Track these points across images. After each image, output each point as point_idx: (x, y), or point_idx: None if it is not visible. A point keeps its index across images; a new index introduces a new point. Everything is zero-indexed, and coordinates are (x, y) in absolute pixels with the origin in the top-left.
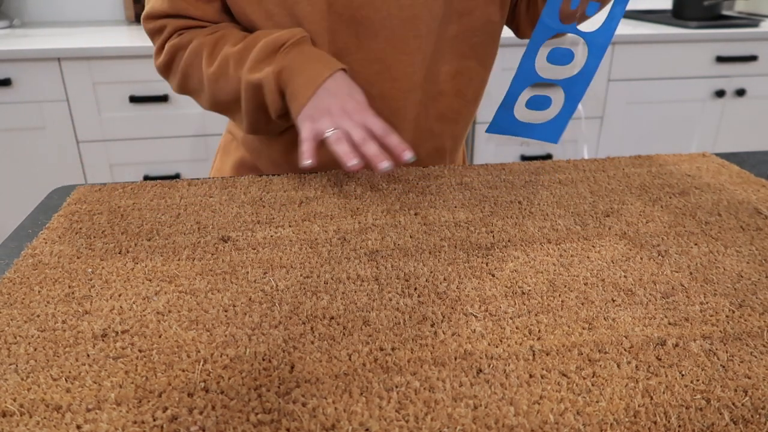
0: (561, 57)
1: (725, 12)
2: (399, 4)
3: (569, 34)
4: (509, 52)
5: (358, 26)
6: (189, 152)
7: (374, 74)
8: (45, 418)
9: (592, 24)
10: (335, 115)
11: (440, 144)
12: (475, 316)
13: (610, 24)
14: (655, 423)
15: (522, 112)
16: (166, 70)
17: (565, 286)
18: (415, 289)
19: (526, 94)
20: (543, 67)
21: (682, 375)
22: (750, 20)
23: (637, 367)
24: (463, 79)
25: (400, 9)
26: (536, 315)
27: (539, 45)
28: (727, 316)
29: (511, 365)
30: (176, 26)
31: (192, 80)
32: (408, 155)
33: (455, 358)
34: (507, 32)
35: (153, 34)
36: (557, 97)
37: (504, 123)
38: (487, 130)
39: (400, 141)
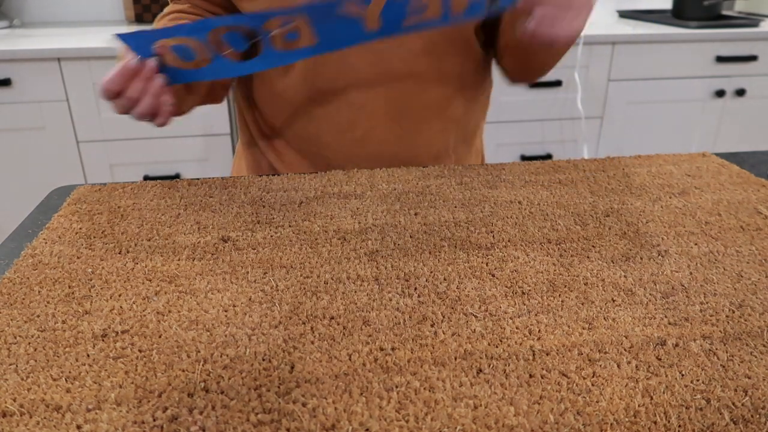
0: None
1: (725, 12)
2: None
3: None
4: None
5: None
6: (189, 152)
7: (368, 65)
8: (45, 418)
9: None
10: None
11: (445, 141)
12: (475, 316)
13: None
14: (655, 423)
15: None
16: None
17: (565, 286)
18: (415, 289)
19: None
20: None
21: (682, 375)
22: (750, 20)
23: (637, 367)
24: (468, 75)
25: None
26: (536, 315)
27: None
28: (727, 316)
29: (511, 365)
30: (176, 8)
31: None
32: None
33: (455, 358)
34: None
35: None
36: None
37: None
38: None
39: None
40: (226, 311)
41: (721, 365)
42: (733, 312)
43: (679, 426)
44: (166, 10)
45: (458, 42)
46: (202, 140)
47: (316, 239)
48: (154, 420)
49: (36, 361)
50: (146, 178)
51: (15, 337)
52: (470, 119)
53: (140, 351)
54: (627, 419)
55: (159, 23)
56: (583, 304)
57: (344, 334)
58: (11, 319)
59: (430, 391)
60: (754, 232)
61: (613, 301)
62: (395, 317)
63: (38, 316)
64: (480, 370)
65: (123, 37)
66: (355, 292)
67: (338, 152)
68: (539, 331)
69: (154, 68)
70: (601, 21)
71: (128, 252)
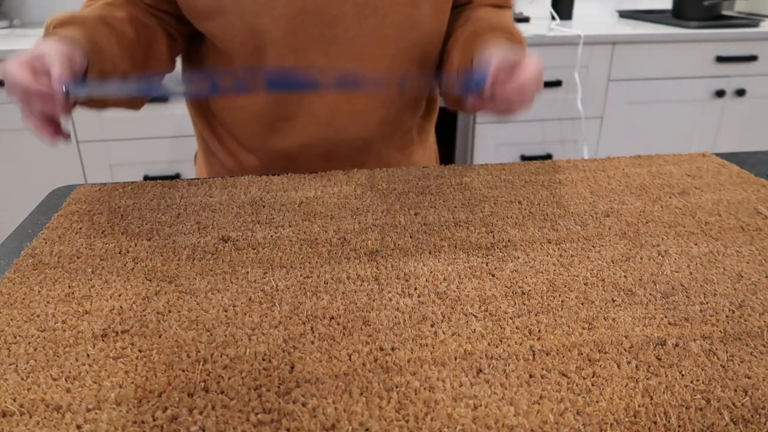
0: None
1: (725, 12)
2: (368, 24)
3: None
4: None
5: (328, 45)
6: (189, 152)
7: (346, 92)
8: (45, 418)
9: None
10: None
11: (409, 153)
12: (475, 316)
13: None
14: (655, 423)
15: None
16: None
17: (565, 286)
18: (415, 289)
19: None
20: None
21: (682, 375)
22: (750, 20)
23: (637, 367)
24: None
25: (369, 29)
26: (536, 315)
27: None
28: (727, 316)
29: (511, 365)
30: None
31: None
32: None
33: (455, 358)
34: None
35: None
36: None
37: None
38: None
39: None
40: (226, 311)
41: (721, 365)
42: (733, 312)
43: (679, 426)
44: None
45: (419, 57)
46: None
47: (316, 239)
48: (154, 420)
49: (36, 361)
50: (146, 178)
51: (15, 337)
52: (428, 123)
53: (140, 351)
54: (627, 419)
55: (89, 7)
56: (583, 304)
57: (344, 334)
58: (11, 319)
59: (430, 391)
60: (754, 232)
61: (613, 301)
62: (395, 317)
63: (38, 316)
64: (480, 370)
65: (70, 87)
66: (355, 292)
67: (303, 164)
68: (539, 331)
69: (62, 100)
70: (601, 21)
71: (128, 252)
